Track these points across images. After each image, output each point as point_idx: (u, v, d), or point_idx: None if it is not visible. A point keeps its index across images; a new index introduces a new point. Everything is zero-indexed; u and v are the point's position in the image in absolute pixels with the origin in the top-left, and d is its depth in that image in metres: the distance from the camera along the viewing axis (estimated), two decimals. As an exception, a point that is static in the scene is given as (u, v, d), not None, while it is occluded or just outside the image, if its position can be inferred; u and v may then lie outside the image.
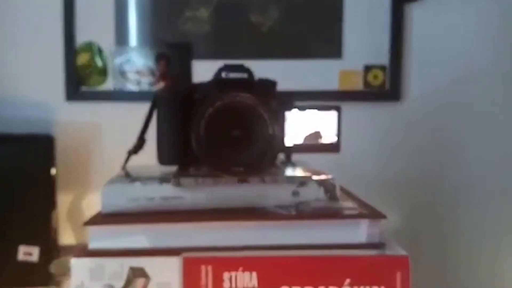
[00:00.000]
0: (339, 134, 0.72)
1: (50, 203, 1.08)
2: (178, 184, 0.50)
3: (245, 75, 0.58)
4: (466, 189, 1.18)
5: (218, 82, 0.56)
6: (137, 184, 0.51)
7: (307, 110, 0.72)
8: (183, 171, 0.55)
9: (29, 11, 1.16)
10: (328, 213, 0.51)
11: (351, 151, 1.10)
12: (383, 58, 1.14)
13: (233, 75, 0.58)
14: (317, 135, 0.74)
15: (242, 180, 0.51)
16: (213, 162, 0.49)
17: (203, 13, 1.18)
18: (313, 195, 0.54)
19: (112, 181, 0.53)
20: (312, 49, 1.14)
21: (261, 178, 0.52)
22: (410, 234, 1.16)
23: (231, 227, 0.48)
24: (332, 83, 1.14)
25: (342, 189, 0.62)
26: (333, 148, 0.73)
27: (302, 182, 0.54)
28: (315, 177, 0.56)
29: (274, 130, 0.51)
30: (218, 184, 0.51)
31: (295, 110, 0.71)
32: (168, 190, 0.50)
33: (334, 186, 0.55)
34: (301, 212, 0.50)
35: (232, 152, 0.49)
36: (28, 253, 1.05)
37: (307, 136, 0.74)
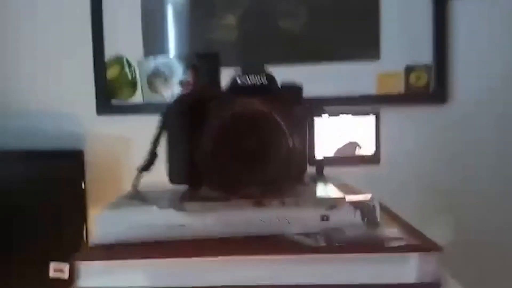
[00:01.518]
0: (378, 143, 0.60)
1: (80, 218, 1.03)
2: (182, 209, 0.41)
3: (264, 80, 0.48)
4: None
5: (233, 88, 0.47)
6: (136, 210, 0.42)
7: (341, 116, 0.61)
8: (193, 193, 0.46)
9: (58, 25, 1.13)
10: (366, 244, 0.39)
11: (392, 162, 0.95)
12: (426, 56, 1.00)
13: (252, 80, 0.48)
14: (353, 146, 0.62)
15: (258, 204, 0.41)
16: (222, 182, 0.39)
17: (231, 20, 1.10)
18: (347, 220, 0.42)
19: (111, 205, 0.44)
20: (346, 51, 1.02)
21: (281, 200, 0.42)
22: (469, 255, 1.01)
23: (245, 263, 0.38)
24: (370, 87, 1.02)
25: (384, 209, 0.50)
26: (372, 159, 0.61)
27: (333, 204, 0.43)
28: (349, 197, 0.44)
29: (295, 142, 0.41)
30: (230, 209, 0.41)
31: (326, 116, 0.60)
32: (171, 217, 0.41)
33: (373, 209, 0.43)
34: (332, 243, 0.39)
35: (245, 169, 0.39)
36: (59, 269, 1.00)
37: (341, 148, 0.62)
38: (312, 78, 1.05)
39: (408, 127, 1.02)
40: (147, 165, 0.54)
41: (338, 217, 0.42)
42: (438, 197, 1.01)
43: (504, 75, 1.00)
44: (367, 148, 0.59)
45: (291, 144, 0.41)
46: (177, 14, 1.11)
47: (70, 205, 1.02)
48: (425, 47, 1.01)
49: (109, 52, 1.13)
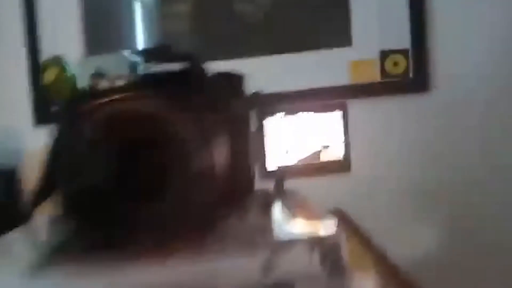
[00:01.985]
0: (347, 146, 0.47)
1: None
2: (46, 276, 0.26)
3: (177, 66, 0.34)
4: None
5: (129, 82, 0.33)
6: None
7: (300, 114, 0.48)
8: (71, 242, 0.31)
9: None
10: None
11: (368, 159, 0.80)
12: (404, 40, 0.88)
13: (157, 68, 0.34)
14: (316, 154, 0.49)
15: (155, 256, 0.27)
16: (87, 228, 0.25)
17: (184, 7, 0.96)
18: (300, 268, 0.29)
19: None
20: (312, 38, 0.89)
21: (198, 244, 0.28)
22: (453, 256, 0.89)
23: None
24: (341, 77, 0.88)
25: (358, 236, 0.37)
26: (341, 166, 0.48)
27: (277, 246, 0.29)
28: (303, 232, 0.31)
29: (212, 158, 0.27)
30: (117, 268, 0.27)
31: (279, 115, 0.47)
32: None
33: (338, 248, 0.30)
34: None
35: (132, 206, 0.25)
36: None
37: (302, 156, 0.49)
38: (275, 70, 0.92)
39: (385, 119, 0.89)
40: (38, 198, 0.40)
41: (287, 265, 0.29)
42: (419, 196, 0.88)
43: (492, 60, 0.88)
44: (335, 152, 0.46)
45: (209, 161, 0.27)
46: (124, 5, 0.97)
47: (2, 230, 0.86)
48: (401, 30, 0.88)
49: (45, 52, 0.97)
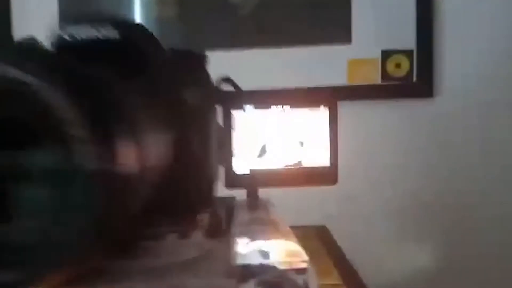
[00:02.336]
0: (333, 152, 0.39)
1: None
2: None
3: (111, 34, 0.26)
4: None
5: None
6: None
7: (276, 108, 0.40)
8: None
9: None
10: None
11: (360, 169, 0.76)
12: (408, 40, 0.80)
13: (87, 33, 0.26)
14: (297, 162, 0.41)
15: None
16: None
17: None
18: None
19: None
20: (309, 33, 0.81)
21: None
22: (453, 274, 0.81)
23: None
24: (338, 77, 0.80)
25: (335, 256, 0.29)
26: (325, 177, 0.40)
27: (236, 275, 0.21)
28: (272, 262, 0.23)
29: (137, 158, 0.19)
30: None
31: (250, 109, 0.39)
32: None
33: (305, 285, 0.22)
34: None
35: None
36: None
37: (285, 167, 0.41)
38: (267, 65, 0.85)
39: (384, 125, 0.81)
40: None
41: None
42: (421, 212, 0.80)
43: (502, 63, 0.80)
44: (320, 158, 0.38)
45: (131, 162, 0.19)
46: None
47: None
48: (406, 28, 0.80)
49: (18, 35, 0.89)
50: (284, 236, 0.29)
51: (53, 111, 0.17)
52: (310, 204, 0.75)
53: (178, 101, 0.29)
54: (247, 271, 0.23)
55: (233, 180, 0.36)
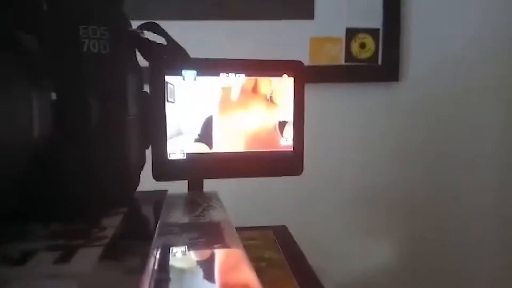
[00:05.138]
0: (297, 133, 0.30)
1: None
2: None
3: None
4: (486, 201, 0.78)
5: None
6: None
7: (225, 76, 0.30)
8: None
9: None
10: None
11: (320, 157, 0.70)
12: (374, 18, 0.73)
13: None
14: (252, 142, 0.32)
15: None
16: None
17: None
18: None
19: None
20: (267, 6, 0.71)
21: None
22: (416, 265, 0.76)
23: None
24: (299, 56, 0.72)
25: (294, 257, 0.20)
26: (288, 165, 0.31)
27: None
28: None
29: None
30: None
31: (191, 76, 0.29)
32: None
33: None
34: None
35: None
36: None
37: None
38: (219, 39, 0.74)
39: (348, 110, 0.74)
40: None
41: None
42: (384, 200, 0.74)
43: (473, 48, 0.75)
44: (279, 142, 0.29)
45: None
46: None
47: None
48: (373, 5, 0.73)
49: None
50: (230, 245, 0.20)
51: None
52: (267, 199, 0.67)
53: (67, 42, 0.18)
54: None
55: (165, 169, 0.26)
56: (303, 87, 0.30)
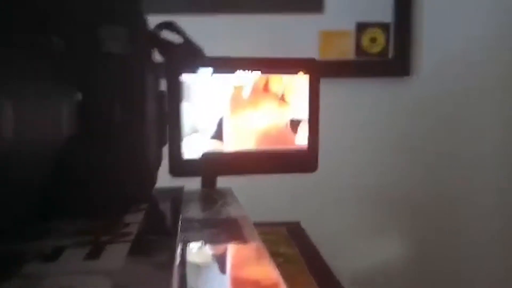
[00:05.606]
0: (312, 131, 0.30)
1: None
2: None
3: None
4: (491, 201, 0.78)
5: None
6: None
7: (241, 73, 0.31)
8: None
9: None
10: None
11: (331, 153, 0.67)
12: (385, 12, 0.72)
13: None
14: (267, 141, 0.32)
15: None
16: None
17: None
18: None
19: None
20: (275, 0, 0.71)
21: None
22: (424, 266, 0.77)
23: None
24: (309, 50, 0.72)
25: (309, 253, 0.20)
26: (304, 162, 0.31)
27: None
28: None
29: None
30: None
31: (207, 73, 0.30)
32: None
33: None
34: None
35: None
36: None
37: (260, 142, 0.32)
38: (228, 33, 0.74)
39: (358, 105, 0.74)
40: None
41: None
42: (394, 195, 0.75)
43: (482, 45, 0.74)
44: (294, 140, 0.30)
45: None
46: None
47: None
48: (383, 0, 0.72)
49: None
50: (250, 240, 0.20)
51: None
52: (281, 196, 0.67)
53: (90, 43, 0.19)
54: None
55: (181, 166, 0.27)
56: (318, 84, 0.31)
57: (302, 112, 0.30)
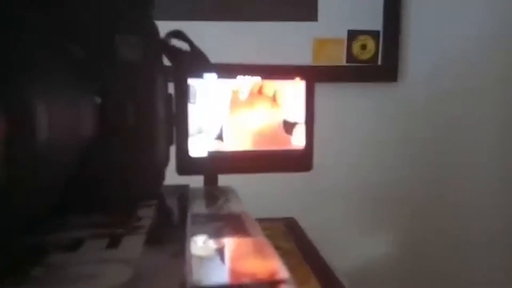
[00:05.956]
0: (309, 133, 0.32)
1: None
2: None
3: None
4: (486, 201, 0.80)
5: None
6: None
7: (241, 78, 0.32)
8: None
9: None
10: None
11: (322, 154, 0.77)
12: (375, 20, 0.75)
13: None
14: (265, 142, 0.34)
15: None
16: None
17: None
18: None
19: None
20: (272, 7, 0.73)
21: None
22: (413, 263, 0.79)
23: None
24: (303, 56, 0.74)
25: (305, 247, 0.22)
26: (301, 162, 0.33)
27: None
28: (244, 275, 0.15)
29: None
30: None
31: (211, 78, 0.31)
32: None
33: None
34: None
35: None
36: None
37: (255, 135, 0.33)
38: (224, 40, 0.76)
39: (349, 109, 0.76)
40: None
41: None
42: (381, 199, 0.77)
43: (470, 48, 0.77)
44: (290, 140, 0.31)
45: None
46: None
47: None
48: (374, 8, 0.75)
49: None
50: (253, 234, 0.22)
51: None
52: (272, 194, 0.69)
53: (107, 50, 0.20)
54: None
55: (187, 165, 0.28)
56: (313, 89, 0.32)
57: (295, 114, 0.32)
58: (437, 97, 0.76)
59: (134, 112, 0.22)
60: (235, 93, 0.31)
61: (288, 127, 0.32)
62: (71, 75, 0.19)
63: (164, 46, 0.25)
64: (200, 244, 0.21)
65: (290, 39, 0.73)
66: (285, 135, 0.32)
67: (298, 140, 0.32)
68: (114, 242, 0.19)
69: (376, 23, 0.75)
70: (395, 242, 0.78)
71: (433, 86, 0.76)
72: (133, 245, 0.18)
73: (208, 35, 0.70)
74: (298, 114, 0.32)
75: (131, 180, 0.23)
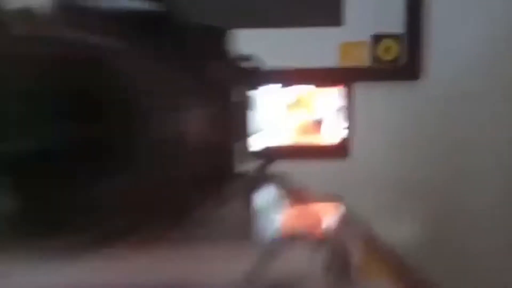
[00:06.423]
0: (350, 128, 0.40)
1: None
2: None
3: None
4: (506, 192, 0.86)
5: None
6: None
7: (293, 87, 0.40)
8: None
9: None
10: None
11: (359, 152, 0.69)
12: (397, 25, 0.81)
13: None
14: (310, 138, 0.42)
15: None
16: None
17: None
18: (300, 270, 0.22)
19: None
20: (300, 14, 0.81)
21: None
22: (436, 248, 0.85)
23: None
24: (330, 59, 0.81)
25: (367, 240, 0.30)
26: (338, 151, 0.41)
27: (271, 244, 0.22)
28: (300, 228, 0.24)
29: (182, 127, 0.20)
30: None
31: (269, 88, 0.40)
32: None
33: (345, 250, 0.23)
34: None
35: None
36: None
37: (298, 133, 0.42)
38: (258, 46, 0.83)
39: (374, 106, 0.83)
40: None
41: (283, 267, 0.22)
42: (407, 188, 0.83)
43: (487, 50, 0.82)
44: (330, 135, 0.39)
45: (179, 130, 0.20)
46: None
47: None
48: (395, 13, 0.81)
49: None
50: (311, 205, 0.30)
51: (129, 79, 0.17)
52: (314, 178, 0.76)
53: (205, 75, 0.29)
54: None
55: (249, 156, 0.37)
56: (350, 91, 0.40)
57: (330, 113, 0.40)
58: (458, 94, 0.82)
59: (222, 118, 0.31)
60: (288, 99, 0.40)
61: (318, 124, 0.40)
62: (194, 93, 0.28)
63: (236, 67, 0.34)
64: (270, 206, 0.30)
65: (318, 44, 0.80)
66: (319, 130, 0.40)
67: (334, 135, 0.40)
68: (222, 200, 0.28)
69: (398, 26, 0.81)
70: (418, 232, 0.85)
71: (452, 85, 0.83)
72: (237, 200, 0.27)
73: (240, 42, 0.78)
74: (333, 113, 0.40)
75: (221, 167, 0.31)
